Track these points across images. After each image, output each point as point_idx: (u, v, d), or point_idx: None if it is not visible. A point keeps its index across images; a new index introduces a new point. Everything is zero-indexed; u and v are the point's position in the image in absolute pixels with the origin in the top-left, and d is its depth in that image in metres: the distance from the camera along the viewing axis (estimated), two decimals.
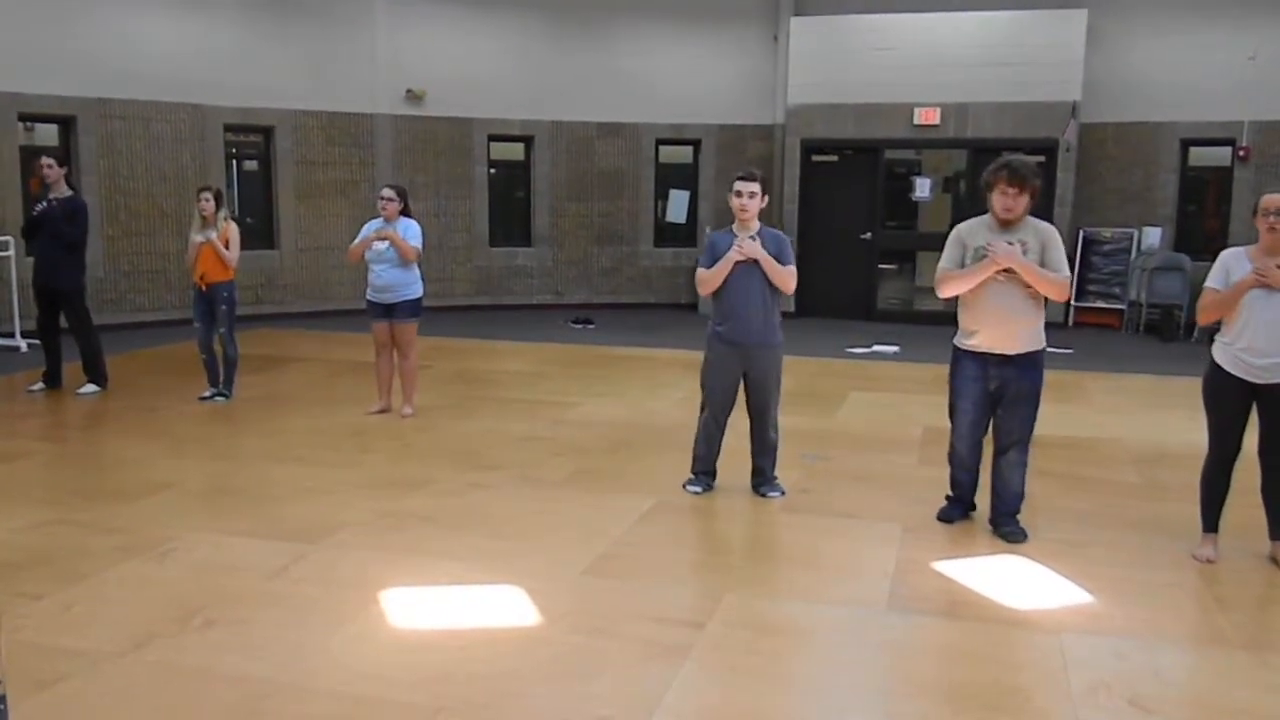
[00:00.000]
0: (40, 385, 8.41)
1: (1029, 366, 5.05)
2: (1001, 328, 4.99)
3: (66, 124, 11.89)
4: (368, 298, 7.61)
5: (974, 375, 5.10)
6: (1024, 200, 4.92)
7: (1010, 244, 4.92)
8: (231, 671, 3.58)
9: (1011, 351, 5.01)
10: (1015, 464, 5.15)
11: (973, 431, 5.23)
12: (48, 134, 12.03)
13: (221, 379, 8.23)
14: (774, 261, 5.48)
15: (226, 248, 7.98)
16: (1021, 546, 4.99)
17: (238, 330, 8.41)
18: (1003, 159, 5.02)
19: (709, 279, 5.59)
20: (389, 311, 7.56)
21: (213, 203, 7.97)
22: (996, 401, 5.12)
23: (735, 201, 5.52)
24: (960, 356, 5.17)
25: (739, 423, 5.82)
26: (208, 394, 8.17)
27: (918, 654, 3.90)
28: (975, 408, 5.17)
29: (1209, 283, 4.73)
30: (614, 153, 14.94)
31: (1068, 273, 5.03)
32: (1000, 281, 4.95)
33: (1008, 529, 5.15)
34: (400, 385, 7.75)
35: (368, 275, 7.56)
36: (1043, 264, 4.93)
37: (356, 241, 7.55)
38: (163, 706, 3.36)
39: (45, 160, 8.26)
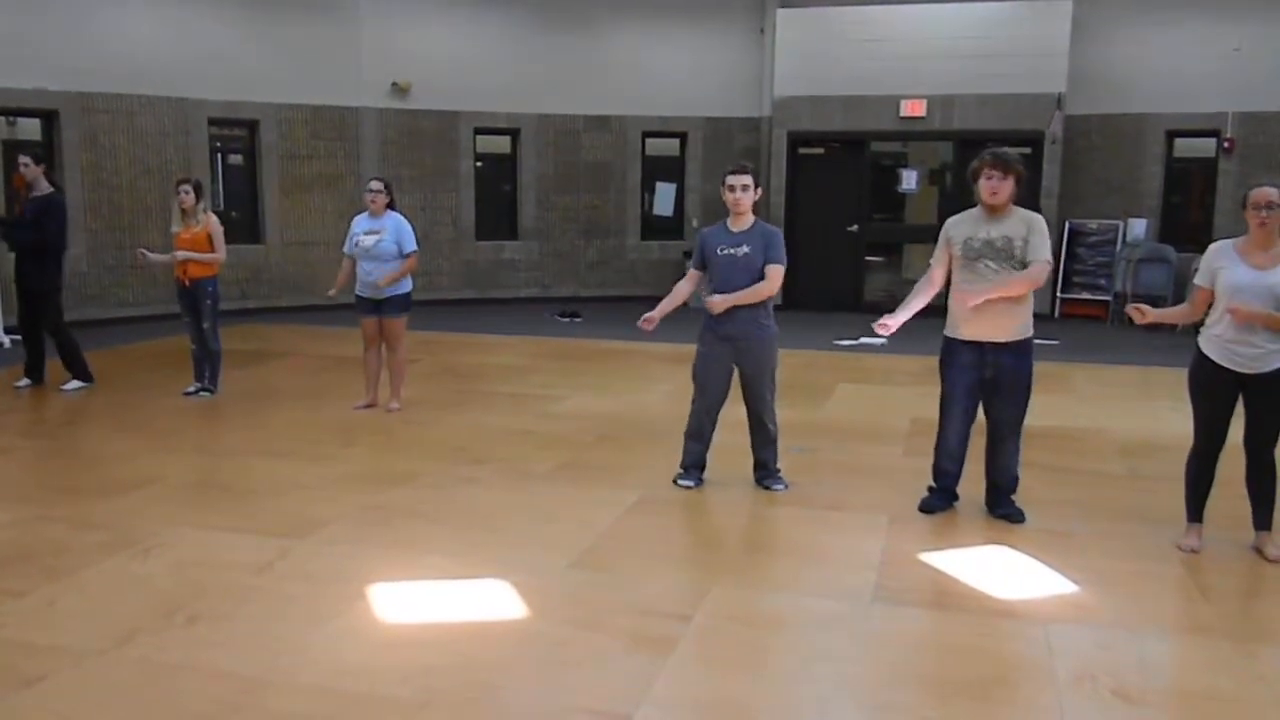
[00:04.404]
0: (26, 381, 8.35)
1: (1022, 354, 5.14)
2: (994, 318, 5.05)
3: (49, 118, 11.80)
4: (357, 293, 7.56)
5: (969, 364, 5.14)
6: (1008, 184, 5.00)
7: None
8: (216, 667, 3.56)
9: (1004, 339, 5.07)
10: (1011, 450, 5.25)
11: (965, 421, 5.28)
12: (30, 129, 11.93)
13: (206, 374, 8.18)
14: (746, 295, 5.50)
15: (209, 241, 7.92)
16: (1007, 537, 5.01)
17: (223, 324, 8.36)
18: (987, 149, 5.14)
19: (664, 304, 5.82)
20: (378, 307, 7.53)
21: (192, 195, 7.90)
22: (989, 389, 5.17)
23: (728, 196, 5.52)
24: (954, 346, 5.20)
25: (729, 416, 5.82)
26: (192, 389, 8.13)
27: (904, 645, 3.91)
28: (968, 397, 5.22)
29: (1196, 280, 4.76)
30: (601, 146, 14.91)
31: (1048, 256, 5.07)
32: (994, 272, 5.01)
33: (1006, 510, 5.26)
34: (388, 380, 7.72)
35: (356, 271, 7.52)
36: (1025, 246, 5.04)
37: (351, 245, 7.48)
38: (146, 703, 3.34)
39: (21, 159, 8.17)
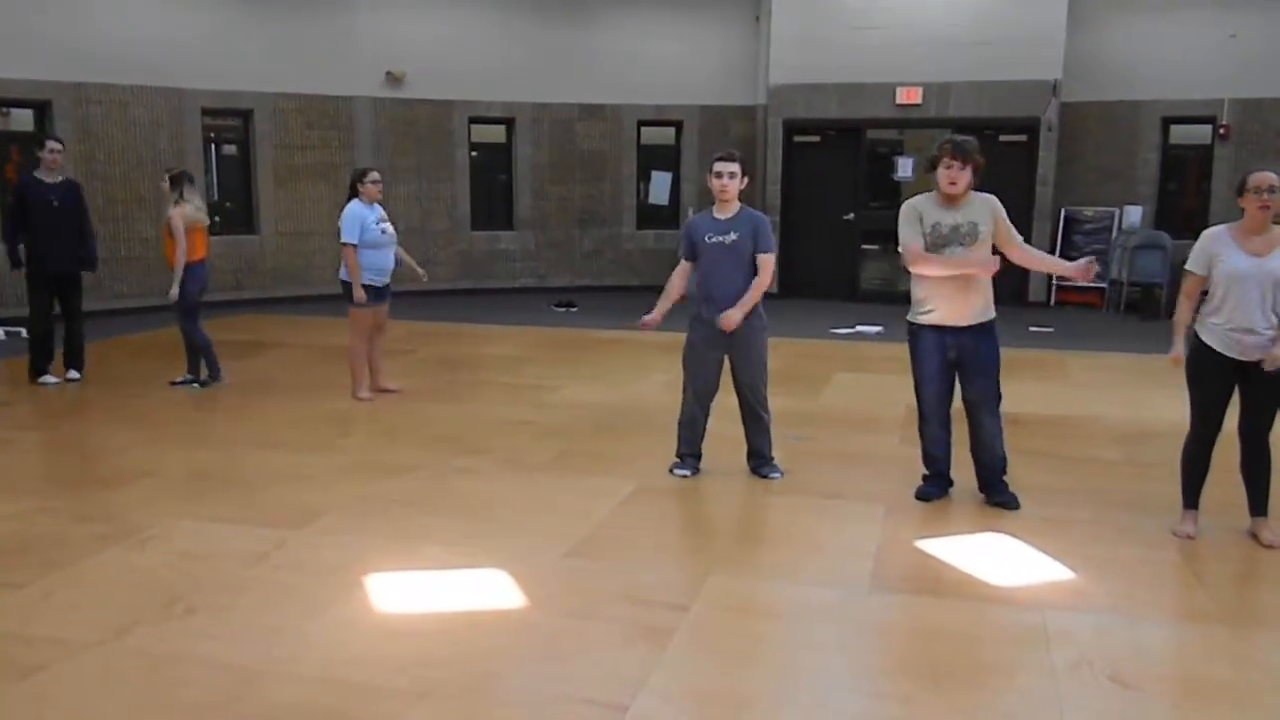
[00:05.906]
0: (74, 374, 8.26)
1: (984, 335, 5.18)
2: (955, 301, 5.10)
3: (42, 109, 11.75)
4: (369, 282, 7.42)
5: (934, 347, 5.20)
6: (966, 174, 5.03)
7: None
8: (213, 658, 3.56)
9: (964, 324, 5.12)
10: (992, 430, 5.26)
11: (940, 403, 5.31)
12: (23, 119, 11.88)
13: (197, 366, 8.12)
14: (752, 298, 5.48)
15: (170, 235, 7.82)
16: (1003, 524, 5.01)
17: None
18: (946, 138, 5.16)
19: (662, 303, 5.82)
20: (381, 294, 7.57)
21: (166, 184, 7.88)
22: (958, 370, 5.22)
23: (715, 183, 5.53)
24: (918, 330, 5.25)
25: (723, 405, 5.82)
26: (180, 380, 8.09)
27: (901, 633, 3.92)
28: (939, 379, 5.26)
29: (1188, 266, 4.77)
30: (596, 135, 14.87)
31: (1020, 239, 5.24)
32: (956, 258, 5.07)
33: (1002, 497, 5.27)
34: (381, 366, 7.77)
35: (365, 260, 7.40)
36: (995, 234, 5.10)
37: (367, 235, 7.36)
38: (145, 694, 3.34)
39: (51, 144, 8.14)
